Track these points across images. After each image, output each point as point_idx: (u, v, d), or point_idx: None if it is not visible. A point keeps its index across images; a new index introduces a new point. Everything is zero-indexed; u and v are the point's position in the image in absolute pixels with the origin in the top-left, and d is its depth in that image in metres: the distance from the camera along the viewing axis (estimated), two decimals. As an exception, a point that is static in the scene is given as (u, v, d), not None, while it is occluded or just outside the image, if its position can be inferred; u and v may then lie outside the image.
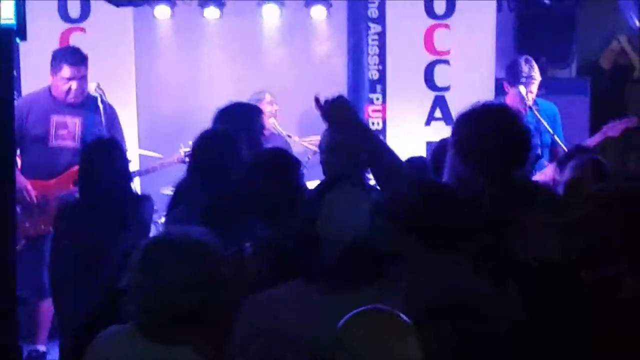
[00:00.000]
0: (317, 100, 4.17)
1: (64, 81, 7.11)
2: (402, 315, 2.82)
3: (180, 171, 5.66)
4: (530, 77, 7.34)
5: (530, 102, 7.30)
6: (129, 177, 5.67)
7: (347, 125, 4.15)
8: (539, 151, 7.20)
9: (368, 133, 4.21)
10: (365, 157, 4.21)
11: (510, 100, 7.39)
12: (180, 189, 5.22)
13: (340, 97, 4.16)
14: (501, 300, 3.30)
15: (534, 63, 7.43)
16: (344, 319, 2.81)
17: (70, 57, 7.16)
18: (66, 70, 7.09)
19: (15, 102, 6.84)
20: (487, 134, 3.89)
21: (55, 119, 7.14)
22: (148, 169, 7.60)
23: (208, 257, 3.04)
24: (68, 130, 7.15)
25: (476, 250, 3.35)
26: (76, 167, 6.25)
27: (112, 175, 5.41)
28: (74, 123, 7.17)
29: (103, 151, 5.57)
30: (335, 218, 3.35)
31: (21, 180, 6.83)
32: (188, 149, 7.44)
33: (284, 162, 4.49)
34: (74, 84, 7.10)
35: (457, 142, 4.00)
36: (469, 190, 3.82)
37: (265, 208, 4.20)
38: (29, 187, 6.93)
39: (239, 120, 5.62)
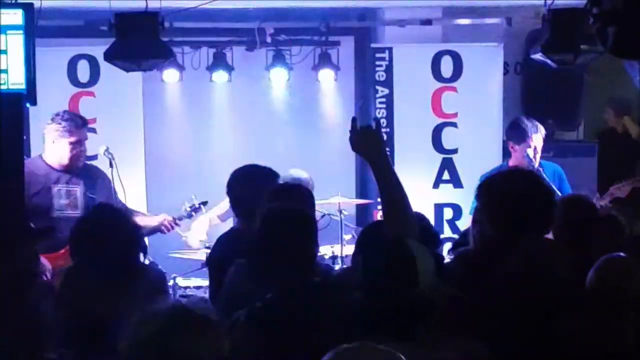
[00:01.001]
0: (354, 121, 4.35)
1: (72, 146, 6.99)
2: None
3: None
4: (535, 127, 7.48)
5: (536, 162, 7.38)
6: (137, 245, 5.43)
7: (369, 154, 4.20)
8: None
9: (387, 167, 4.22)
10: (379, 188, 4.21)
11: (515, 160, 7.48)
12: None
13: (370, 126, 4.28)
14: None
15: (537, 123, 7.57)
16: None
17: (80, 120, 7.12)
18: (77, 134, 7.06)
19: None
20: (519, 197, 3.99)
21: (56, 189, 6.99)
22: (154, 228, 7.42)
23: (210, 333, 2.97)
24: (70, 200, 7.04)
25: None
26: None
27: (120, 244, 5.20)
28: (75, 191, 7.08)
29: (112, 218, 5.40)
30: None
31: (45, 263, 6.36)
32: (192, 204, 7.44)
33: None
34: (81, 148, 7.06)
35: (485, 206, 4.11)
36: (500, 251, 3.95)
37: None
38: (49, 266, 6.49)
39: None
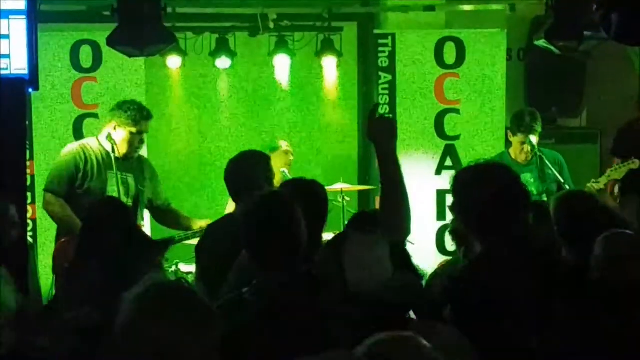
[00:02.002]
0: (375, 108, 4.44)
1: (132, 136, 7.06)
2: None
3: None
4: (530, 128, 7.54)
5: (528, 153, 7.47)
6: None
7: (379, 142, 4.17)
8: (545, 199, 7.23)
9: (394, 162, 4.18)
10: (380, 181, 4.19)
11: (513, 150, 7.69)
12: None
13: (388, 118, 4.28)
14: None
15: (538, 115, 7.67)
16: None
17: (146, 112, 7.18)
18: (141, 125, 7.09)
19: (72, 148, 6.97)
20: (488, 200, 3.94)
21: (110, 174, 7.01)
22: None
23: (195, 316, 2.86)
24: (124, 188, 7.01)
25: None
26: None
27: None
28: (129, 180, 7.11)
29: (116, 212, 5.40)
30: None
31: None
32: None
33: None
34: (140, 139, 7.13)
35: (457, 207, 4.11)
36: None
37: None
38: None
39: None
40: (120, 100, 7.31)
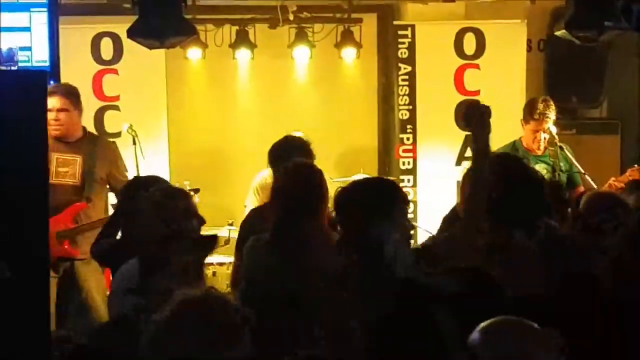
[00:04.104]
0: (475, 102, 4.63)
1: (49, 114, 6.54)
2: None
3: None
4: (543, 115, 7.24)
5: (542, 142, 7.29)
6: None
7: (475, 126, 4.47)
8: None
9: (486, 143, 4.47)
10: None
11: (525, 138, 7.39)
12: None
13: (487, 106, 4.58)
14: None
15: (551, 102, 7.35)
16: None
17: (56, 88, 6.78)
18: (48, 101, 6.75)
19: None
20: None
21: (55, 156, 6.75)
22: None
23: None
24: (69, 168, 6.80)
25: None
26: (76, 205, 6.46)
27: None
28: (74, 161, 6.86)
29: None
30: None
31: None
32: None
33: None
34: (50, 115, 6.58)
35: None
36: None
37: None
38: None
39: None
40: None
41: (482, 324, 2.77)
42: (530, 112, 7.32)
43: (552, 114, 7.27)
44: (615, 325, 3.71)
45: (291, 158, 5.12)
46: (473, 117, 4.39)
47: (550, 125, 7.25)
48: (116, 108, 8.30)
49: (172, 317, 2.89)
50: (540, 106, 7.27)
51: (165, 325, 2.88)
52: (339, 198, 4.25)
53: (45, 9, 6.07)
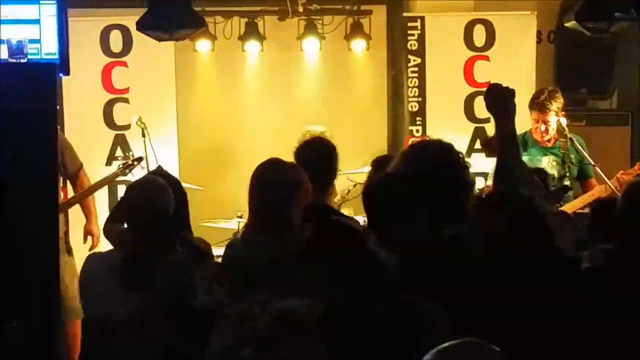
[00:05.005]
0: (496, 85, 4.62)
1: None
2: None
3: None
4: (542, 105, 7.19)
5: (544, 133, 7.24)
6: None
7: (498, 111, 4.48)
8: (568, 183, 7.16)
9: (511, 129, 4.44)
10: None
11: (533, 129, 7.33)
12: None
13: (512, 90, 4.59)
14: None
15: (557, 95, 7.27)
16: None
17: None
18: None
19: None
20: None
21: None
22: None
23: None
24: None
25: None
26: None
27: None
28: None
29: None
30: None
31: None
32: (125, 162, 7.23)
33: None
34: None
35: None
36: None
37: None
38: None
39: None
40: None
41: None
42: (532, 100, 7.29)
43: (553, 106, 7.20)
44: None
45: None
46: (494, 104, 4.38)
47: (553, 117, 7.20)
48: (125, 100, 8.31)
49: None
50: (542, 96, 7.24)
51: None
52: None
53: (54, 1, 6.04)
